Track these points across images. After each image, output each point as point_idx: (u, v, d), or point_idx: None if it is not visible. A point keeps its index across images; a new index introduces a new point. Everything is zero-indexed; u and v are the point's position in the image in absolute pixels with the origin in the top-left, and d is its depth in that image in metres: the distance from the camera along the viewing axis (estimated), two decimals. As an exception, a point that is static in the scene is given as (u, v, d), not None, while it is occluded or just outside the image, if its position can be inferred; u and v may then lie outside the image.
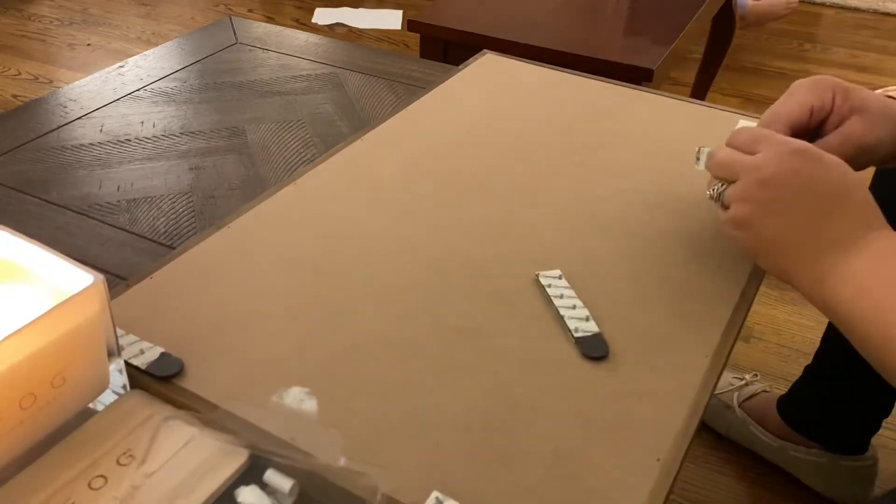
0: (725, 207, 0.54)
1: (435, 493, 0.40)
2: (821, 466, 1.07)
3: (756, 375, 1.19)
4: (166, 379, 0.46)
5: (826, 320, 1.05)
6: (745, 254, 0.55)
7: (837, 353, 1.03)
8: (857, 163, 0.57)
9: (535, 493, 0.41)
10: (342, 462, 0.32)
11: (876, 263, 0.48)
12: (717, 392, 1.16)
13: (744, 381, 1.17)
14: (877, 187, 0.89)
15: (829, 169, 0.51)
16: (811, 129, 0.59)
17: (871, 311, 0.46)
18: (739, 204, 0.52)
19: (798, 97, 0.58)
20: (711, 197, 0.55)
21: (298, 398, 0.44)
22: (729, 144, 0.55)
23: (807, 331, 1.37)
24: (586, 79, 0.84)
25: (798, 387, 1.09)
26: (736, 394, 1.16)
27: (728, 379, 1.19)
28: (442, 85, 0.83)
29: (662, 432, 0.44)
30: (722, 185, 0.54)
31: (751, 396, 1.14)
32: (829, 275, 0.49)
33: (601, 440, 0.44)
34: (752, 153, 0.52)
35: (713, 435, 1.17)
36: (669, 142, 0.73)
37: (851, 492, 1.07)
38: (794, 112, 0.58)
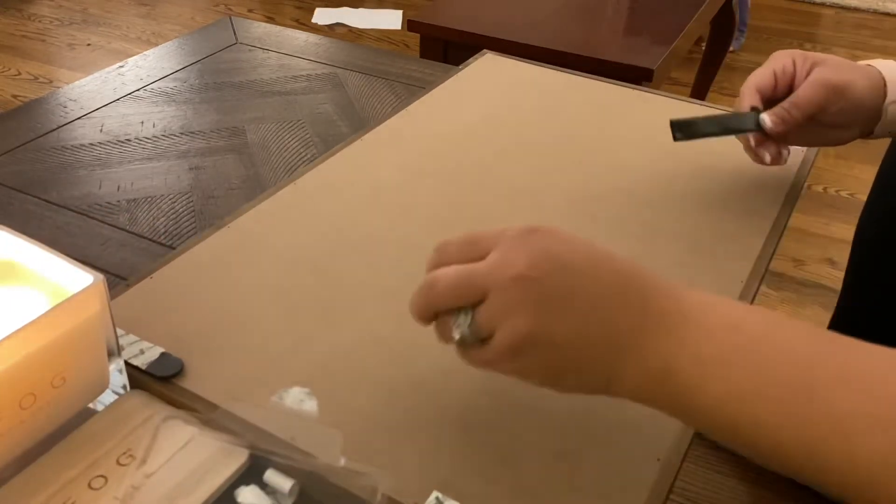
0: (485, 340, 0.39)
1: (435, 493, 0.40)
2: None
3: None
4: (166, 379, 0.46)
5: (825, 321, 1.05)
6: (541, 383, 0.39)
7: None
8: (837, 107, 0.61)
9: (536, 492, 0.41)
10: (342, 462, 0.32)
11: (718, 333, 0.36)
12: None
13: None
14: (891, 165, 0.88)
15: (573, 239, 0.40)
16: (779, 96, 0.63)
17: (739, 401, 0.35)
18: (507, 320, 0.38)
19: (759, 69, 0.64)
20: (462, 340, 0.39)
21: (299, 398, 0.44)
22: (439, 263, 0.41)
23: (807, 331, 1.37)
24: (586, 79, 0.84)
25: None
26: None
27: None
28: (442, 85, 0.83)
29: (662, 432, 0.44)
30: (467, 315, 0.39)
31: None
32: (672, 359, 0.36)
33: (601, 440, 0.44)
34: (481, 257, 0.40)
35: (713, 435, 1.17)
36: (669, 142, 0.73)
37: None
38: (757, 78, 0.63)
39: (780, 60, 0.63)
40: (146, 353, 0.48)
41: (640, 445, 0.43)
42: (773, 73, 0.63)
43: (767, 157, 0.64)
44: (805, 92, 0.61)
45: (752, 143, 0.64)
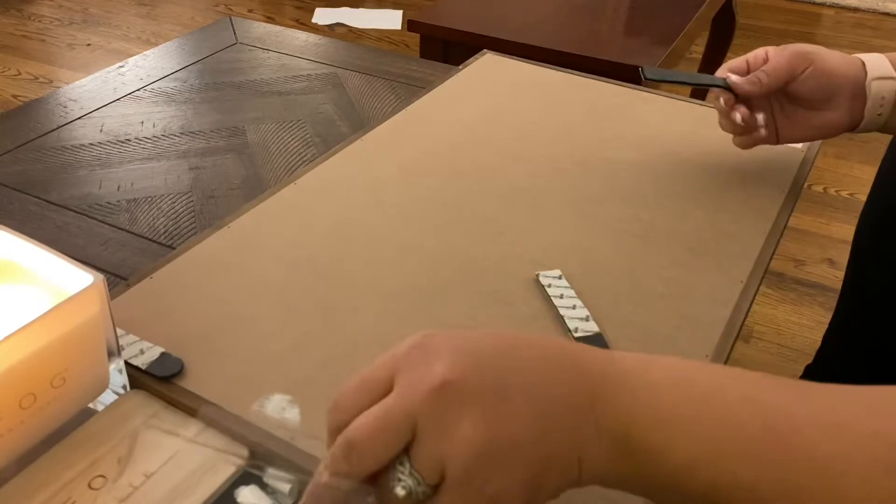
0: (438, 485, 0.31)
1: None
2: None
3: None
4: (166, 379, 0.46)
5: (825, 321, 1.05)
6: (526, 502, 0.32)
7: (837, 353, 1.03)
8: (806, 74, 0.63)
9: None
10: (325, 476, 0.31)
11: (669, 390, 0.33)
12: None
13: None
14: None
15: (465, 332, 0.34)
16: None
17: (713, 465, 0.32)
18: (453, 441, 0.30)
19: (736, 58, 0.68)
20: (410, 495, 0.31)
21: (280, 406, 0.44)
22: (341, 422, 0.33)
23: (807, 331, 1.37)
24: (586, 79, 0.84)
25: None
26: None
27: None
28: (442, 85, 0.83)
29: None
30: (403, 465, 0.31)
31: None
32: (632, 421, 0.33)
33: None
34: (386, 393, 0.32)
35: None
36: (669, 142, 0.73)
37: None
38: (730, 63, 0.67)
39: (753, 52, 0.67)
40: (146, 353, 0.48)
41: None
42: (746, 60, 0.66)
43: (738, 117, 0.64)
44: (773, 60, 0.64)
45: (723, 102, 0.65)
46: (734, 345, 0.51)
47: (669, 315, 0.53)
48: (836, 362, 1.03)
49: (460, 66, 0.87)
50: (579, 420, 0.32)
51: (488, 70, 0.86)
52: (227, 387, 0.46)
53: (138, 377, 0.46)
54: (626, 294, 0.54)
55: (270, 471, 0.40)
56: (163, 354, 0.48)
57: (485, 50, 0.91)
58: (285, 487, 0.39)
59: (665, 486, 0.33)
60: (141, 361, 0.47)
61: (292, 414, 0.43)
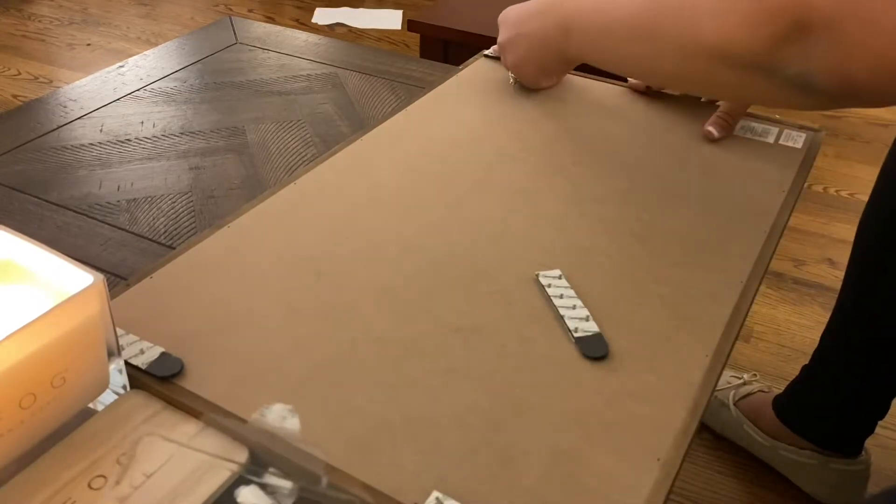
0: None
1: (435, 494, 0.40)
2: (811, 468, 1.07)
3: (755, 375, 1.19)
4: (166, 379, 0.46)
5: (825, 321, 1.05)
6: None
7: (836, 353, 1.03)
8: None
9: (535, 492, 0.41)
10: (324, 483, 0.32)
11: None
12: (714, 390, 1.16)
13: (742, 381, 1.17)
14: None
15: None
16: None
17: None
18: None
19: None
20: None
21: (281, 415, 0.44)
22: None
23: (807, 331, 1.37)
24: (586, 79, 0.84)
25: (795, 385, 1.09)
26: (732, 392, 1.16)
27: (726, 377, 1.19)
28: (442, 85, 0.83)
29: (662, 432, 0.44)
30: None
31: (747, 395, 1.14)
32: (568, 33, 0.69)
33: (601, 440, 0.44)
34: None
35: (713, 435, 1.17)
36: (670, 141, 0.73)
37: (842, 495, 1.07)
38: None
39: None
40: (146, 353, 0.48)
41: (639, 446, 0.43)
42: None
43: (716, 133, 0.73)
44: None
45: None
46: (734, 345, 0.51)
47: (669, 315, 0.53)
48: (836, 362, 1.03)
49: (460, 67, 0.87)
50: (557, 39, 0.71)
51: (488, 70, 0.86)
52: (226, 386, 0.46)
53: (138, 377, 0.46)
54: (625, 294, 0.54)
55: (270, 471, 0.40)
56: (162, 354, 0.48)
57: (485, 50, 0.91)
58: (285, 488, 0.39)
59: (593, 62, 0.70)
60: (141, 361, 0.47)
61: (293, 423, 0.43)
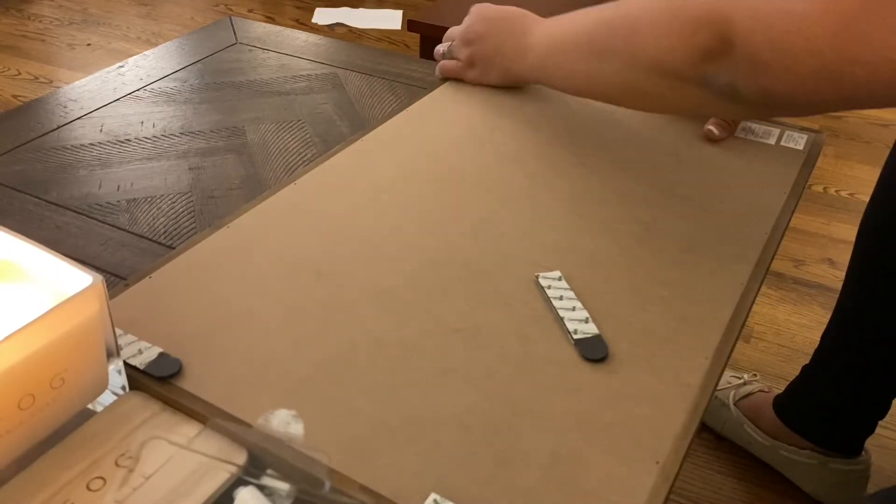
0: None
1: (433, 496, 0.40)
2: (811, 468, 1.07)
3: (755, 375, 1.19)
4: (164, 379, 0.46)
5: (825, 321, 1.05)
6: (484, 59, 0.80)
7: (836, 353, 1.03)
8: None
9: (534, 494, 0.41)
10: (327, 488, 0.32)
11: (549, 28, 0.71)
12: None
13: (742, 381, 1.17)
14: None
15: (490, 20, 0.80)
16: None
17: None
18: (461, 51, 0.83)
19: None
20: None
21: (285, 421, 0.44)
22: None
23: (807, 331, 1.37)
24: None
25: (795, 385, 1.09)
26: (732, 392, 1.16)
27: (726, 377, 1.19)
28: (442, 86, 0.83)
29: (661, 434, 0.44)
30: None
31: (747, 395, 1.14)
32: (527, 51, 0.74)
33: (600, 442, 0.44)
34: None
35: (713, 435, 1.17)
36: (670, 143, 0.73)
37: (842, 495, 1.07)
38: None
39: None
40: (144, 353, 0.48)
41: (638, 448, 0.43)
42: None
43: (716, 132, 0.73)
44: None
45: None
46: (734, 346, 0.51)
47: (669, 316, 0.53)
48: (836, 362, 1.03)
49: (460, 67, 0.87)
50: (514, 61, 0.76)
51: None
52: (225, 387, 0.46)
53: (138, 378, 0.46)
54: (626, 295, 0.54)
55: (269, 473, 0.40)
56: (161, 355, 0.48)
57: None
58: (283, 490, 0.39)
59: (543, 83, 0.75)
60: (139, 361, 0.47)
61: (296, 429, 0.43)
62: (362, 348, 0.49)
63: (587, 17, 0.64)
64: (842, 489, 1.06)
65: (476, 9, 0.80)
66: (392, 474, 0.41)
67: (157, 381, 0.46)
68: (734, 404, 1.14)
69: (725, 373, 1.19)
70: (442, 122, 0.75)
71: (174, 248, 0.62)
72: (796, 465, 1.08)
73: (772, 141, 0.74)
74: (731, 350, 0.51)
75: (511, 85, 0.81)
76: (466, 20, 0.81)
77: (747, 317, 0.54)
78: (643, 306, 0.53)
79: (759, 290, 0.56)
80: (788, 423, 1.07)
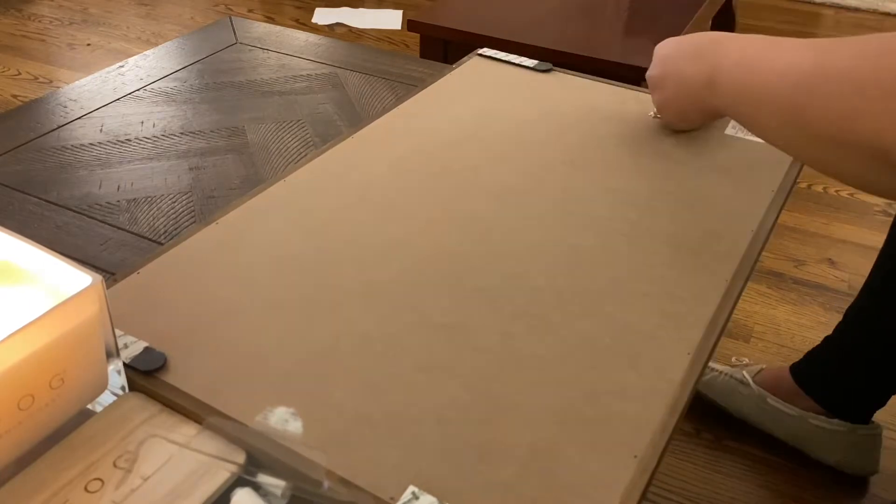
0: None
1: (411, 488, 0.40)
2: (840, 436, 1.07)
3: (748, 362, 1.20)
4: (149, 373, 0.46)
5: (825, 321, 1.05)
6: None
7: (858, 328, 1.04)
8: None
9: (511, 488, 0.41)
10: (325, 486, 0.32)
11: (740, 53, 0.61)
12: (724, 371, 1.17)
13: (746, 362, 1.19)
14: None
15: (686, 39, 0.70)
16: None
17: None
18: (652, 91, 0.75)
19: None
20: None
21: (283, 419, 0.44)
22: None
23: (807, 331, 1.37)
24: (580, 78, 0.84)
25: (816, 351, 1.10)
26: (744, 371, 1.16)
27: (731, 361, 1.20)
28: (434, 84, 0.82)
29: (640, 430, 0.44)
30: None
31: (759, 371, 1.16)
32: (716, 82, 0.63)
33: (579, 437, 0.44)
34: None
35: (713, 434, 1.17)
36: (658, 141, 0.73)
37: (864, 461, 1.08)
38: None
39: None
40: (130, 348, 0.47)
41: (617, 443, 0.43)
42: None
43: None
44: None
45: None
46: (717, 343, 0.51)
47: (652, 313, 0.53)
48: (857, 332, 1.04)
49: (453, 65, 0.87)
50: (702, 92, 0.65)
51: (482, 68, 0.86)
52: (210, 381, 0.46)
53: (137, 379, 0.46)
54: (610, 292, 0.54)
55: (266, 473, 0.40)
56: (146, 349, 0.48)
57: (478, 49, 0.91)
58: (279, 490, 0.39)
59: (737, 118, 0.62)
60: (124, 356, 0.47)
61: (294, 427, 0.43)
62: (347, 343, 0.49)
63: (784, 62, 0.54)
64: (865, 455, 1.07)
65: (657, 49, 0.73)
66: (371, 467, 0.41)
67: (158, 382, 0.46)
68: (753, 380, 1.15)
69: (724, 367, 1.19)
70: (432, 120, 0.75)
71: (174, 249, 0.62)
72: (824, 433, 1.08)
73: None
74: (714, 347, 0.51)
75: (703, 122, 0.74)
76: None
77: (731, 313, 0.54)
78: (628, 303, 0.53)
79: (743, 287, 0.56)
80: (806, 389, 1.08)
